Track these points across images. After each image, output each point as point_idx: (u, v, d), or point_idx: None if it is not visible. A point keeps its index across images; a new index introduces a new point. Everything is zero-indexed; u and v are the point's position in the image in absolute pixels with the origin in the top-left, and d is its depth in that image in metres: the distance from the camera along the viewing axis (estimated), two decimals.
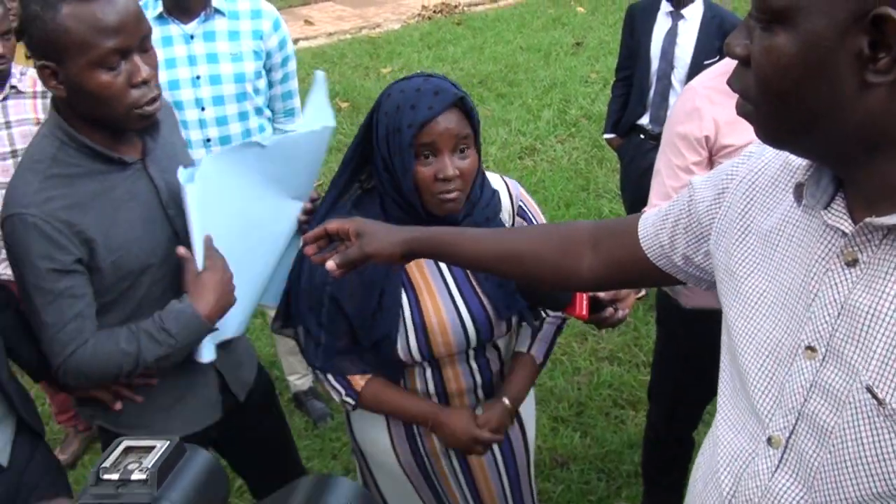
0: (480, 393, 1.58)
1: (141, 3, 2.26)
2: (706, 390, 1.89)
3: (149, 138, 1.46)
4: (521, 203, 1.56)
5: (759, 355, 0.89)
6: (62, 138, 1.36)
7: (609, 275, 1.16)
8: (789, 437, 0.86)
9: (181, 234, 1.48)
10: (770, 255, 0.90)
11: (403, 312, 1.44)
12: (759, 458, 0.90)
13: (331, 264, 1.15)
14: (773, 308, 0.88)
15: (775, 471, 0.88)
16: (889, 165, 0.75)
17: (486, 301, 1.47)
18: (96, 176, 1.39)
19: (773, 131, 0.80)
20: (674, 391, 2.21)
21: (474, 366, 1.54)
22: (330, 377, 1.53)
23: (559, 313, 1.60)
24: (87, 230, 1.36)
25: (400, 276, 1.44)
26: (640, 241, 1.11)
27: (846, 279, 0.80)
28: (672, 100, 3.04)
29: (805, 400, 0.84)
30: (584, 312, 1.43)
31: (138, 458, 0.50)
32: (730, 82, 0.82)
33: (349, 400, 1.53)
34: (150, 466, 0.49)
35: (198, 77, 2.25)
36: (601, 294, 1.48)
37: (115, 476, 0.49)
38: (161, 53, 2.16)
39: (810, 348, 0.83)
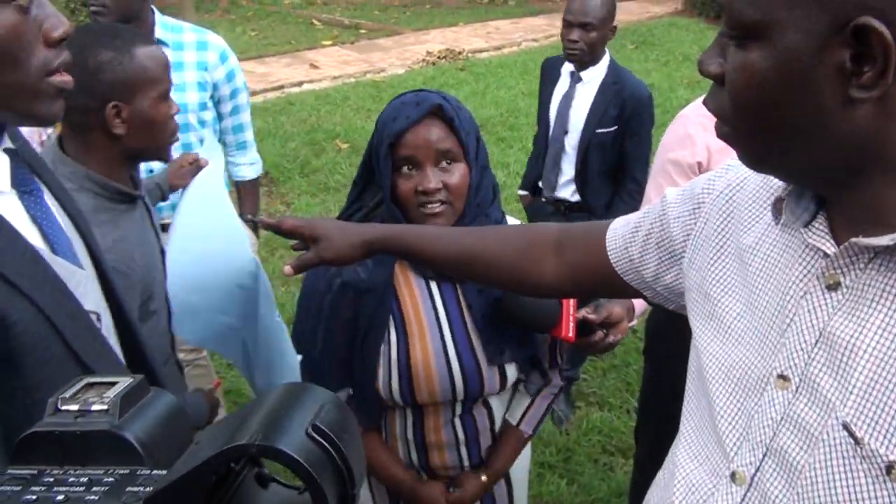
0: (464, 451, 1.50)
1: None
2: None
3: (134, 172, 1.56)
4: None
5: (729, 382, 0.83)
6: (94, 189, 1.43)
7: (574, 282, 1.12)
8: (755, 473, 0.79)
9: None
10: (745, 275, 0.84)
11: (390, 351, 1.38)
12: (720, 495, 0.82)
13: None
14: (746, 332, 0.82)
15: None
16: (876, 187, 0.69)
17: (478, 349, 1.39)
18: (124, 214, 1.48)
19: (754, 153, 0.75)
20: (661, 427, 2.14)
21: (458, 422, 1.46)
22: None
23: (557, 375, 1.53)
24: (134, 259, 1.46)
25: (388, 315, 1.38)
26: (608, 252, 1.06)
27: (826, 304, 0.74)
28: (565, 166, 2.84)
29: (774, 434, 0.77)
30: (571, 334, 1.38)
31: (99, 393, 0.49)
32: (705, 102, 0.77)
33: None
34: (111, 397, 0.48)
35: None
36: (591, 316, 1.43)
37: (74, 407, 0.48)
38: None
39: (783, 377, 0.77)
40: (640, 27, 10.52)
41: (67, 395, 0.48)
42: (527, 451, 1.65)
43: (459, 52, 9.03)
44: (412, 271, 1.40)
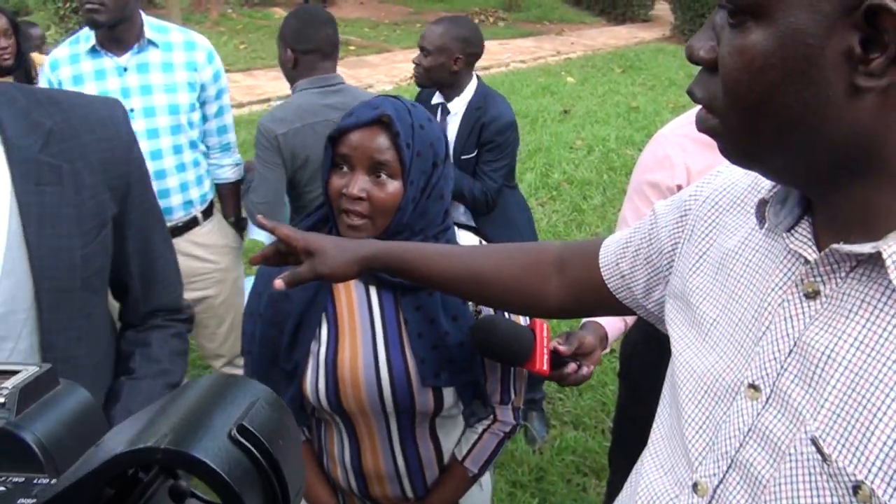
0: (406, 483, 1.40)
1: (73, 38, 2.29)
2: None
3: None
4: None
5: (699, 390, 0.79)
6: None
7: (576, 301, 1.08)
8: (718, 485, 0.75)
9: None
10: (725, 281, 0.80)
11: (319, 349, 1.31)
12: None
13: (279, 283, 1.10)
14: (721, 339, 0.79)
15: None
16: (870, 189, 0.64)
17: (411, 363, 1.30)
18: None
19: (743, 148, 0.68)
20: (634, 452, 2.13)
21: (398, 447, 1.38)
22: None
23: (509, 412, 1.43)
24: None
25: (321, 312, 1.33)
26: (601, 268, 1.02)
27: (803, 313, 0.70)
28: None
29: (741, 445, 0.74)
30: (546, 368, 1.30)
31: None
32: (691, 90, 0.71)
33: None
34: (10, 388, 0.40)
35: (131, 110, 2.21)
36: (561, 347, 1.37)
37: None
38: (94, 87, 2.18)
39: (753, 387, 0.73)
40: (627, 52, 10.64)
41: None
42: (487, 488, 1.57)
43: None
44: None
